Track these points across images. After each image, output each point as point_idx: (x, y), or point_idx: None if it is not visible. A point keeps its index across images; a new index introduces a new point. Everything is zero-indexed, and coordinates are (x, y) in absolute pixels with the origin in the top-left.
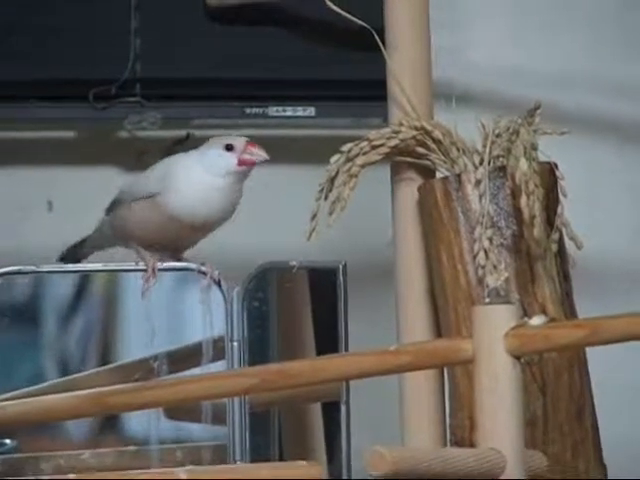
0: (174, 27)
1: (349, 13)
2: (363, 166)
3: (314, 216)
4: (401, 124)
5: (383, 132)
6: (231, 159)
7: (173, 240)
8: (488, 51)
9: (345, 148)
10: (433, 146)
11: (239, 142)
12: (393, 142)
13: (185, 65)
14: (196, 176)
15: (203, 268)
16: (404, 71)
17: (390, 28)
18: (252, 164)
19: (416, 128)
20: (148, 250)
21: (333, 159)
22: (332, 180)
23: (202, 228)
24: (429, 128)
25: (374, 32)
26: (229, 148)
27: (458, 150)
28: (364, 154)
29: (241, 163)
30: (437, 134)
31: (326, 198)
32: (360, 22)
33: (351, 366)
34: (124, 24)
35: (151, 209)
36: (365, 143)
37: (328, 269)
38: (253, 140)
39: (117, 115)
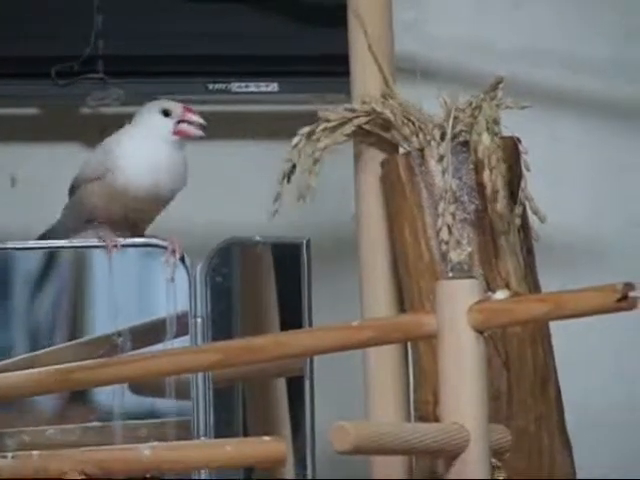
0: (137, 3)
1: None
2: (325, 149)
3: (277, 198)
4: (354, 109)
5: (339, 114)
6: (168, 125)
7: (130, 217)
8: (451, 25)
9: (303, 131)
10: (387, 126)
11: (176, 107)
12: (349, 128)
13: (148, 42)
14: (136, 146)
15: (164, 243)
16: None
17: (353, 2)
18: (187, 137)
19: (367, 113)
20: (110, 230)
21: (293, 142)
22: (294, 164)
23: (155, 199)
24: (379, 110)
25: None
26: (166, 113)
27: (413, 128)
28: (325, 137)
29: (176, 133)
30: (387, 115)
31: (289, 181)
32: None
33: (315, 341)
34: (87, 1)
35: (102, 188)
36: (323, 125)
37: (292, 245)
38: (216, 116)
39: (80, 92)
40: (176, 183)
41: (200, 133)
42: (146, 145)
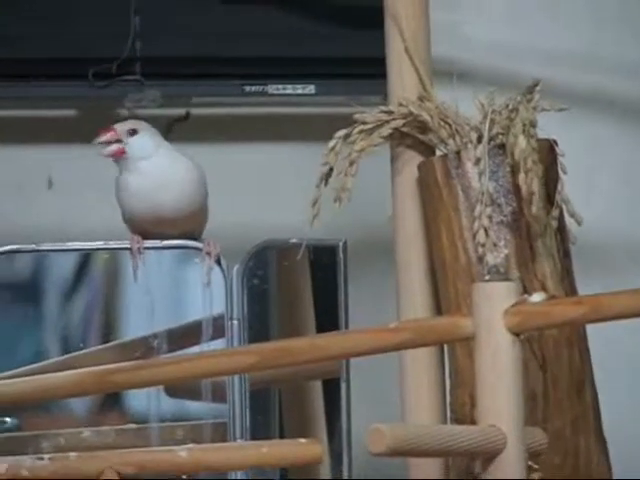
0: (174, 5)
1: None
2: (362, 151)
3: (315, 202)
4: (390, 112)
5: (376, 116)
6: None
7: (160, 232)
8: (488, 27)
9: (339, 134)
10: (423, 128)
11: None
12: (386, 131)
13: (185, 43)
14: (124, 176)
15: (200, 245)
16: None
17: (390, 4)
18: (105, 156)
19: (404, 115)
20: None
21: (330, 145)
22: (331, 167)
23: (163, 219)
24: (416, 112)
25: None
26: None
27: (450, 130)
28: (362, 140)
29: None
30: (424, 117)
31: (326, 184)
32: None
33: (351, 344)
34: (124, 2)
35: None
36: (360, 128)
37: (328, 246)
38: (253, 118)
39: (117, 93)
40: (173, 198)
41: (103, 153)
42: (124, 176)
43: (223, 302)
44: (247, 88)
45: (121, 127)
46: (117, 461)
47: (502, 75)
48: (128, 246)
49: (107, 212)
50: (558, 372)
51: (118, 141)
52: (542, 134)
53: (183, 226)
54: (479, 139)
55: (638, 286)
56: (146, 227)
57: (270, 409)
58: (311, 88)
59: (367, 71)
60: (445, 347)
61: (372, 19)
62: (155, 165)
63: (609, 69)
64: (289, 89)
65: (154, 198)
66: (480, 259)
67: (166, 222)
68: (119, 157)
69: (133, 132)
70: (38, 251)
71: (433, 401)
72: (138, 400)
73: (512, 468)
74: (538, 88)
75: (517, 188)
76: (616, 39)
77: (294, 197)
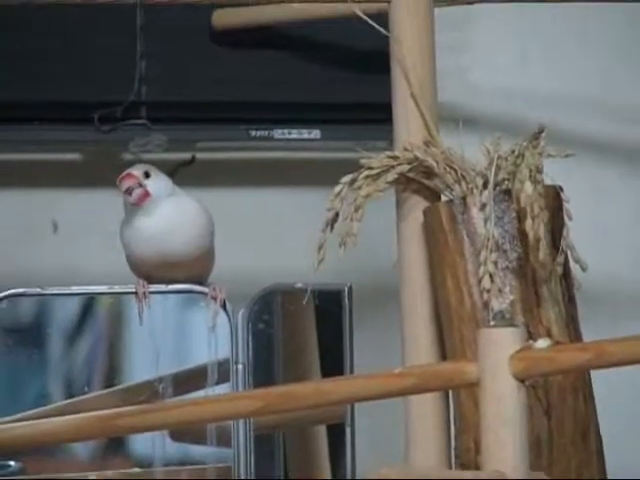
0: (180, 50)
1: (356, 36)
2: (367, 196)
3: (320, 247)
4: (396, 157)
5: (381, 161)
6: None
7: (165, 276)
8: (494, 73)
9: (345, 180)
10: (429, 173)
11: (118, 182)
12: (392, 176)
13: (190, 88)
14: (129, 222)
15: (205, 290)
16: (409, 93)
17: (396, 50)
18: (134, 204)
19: (410, 161)
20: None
21: (336, 190)
22: (336, 213)
23: (168, 263)
24: (422, 158)
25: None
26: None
27: (456, 176)
28: (368, 185)
29: (132, 201)
30: (430, 162)
31: (332, 229)
32: (384, 31)
33: (356, 389)
34: (130, 46)
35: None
36: (365, 173)
37: (333, 291)
38: (259, 163)
39: (122, 138)
40: (182, 242)
41: (132, 200)
42: (131, 220)
43: (228, 346)
44: (253, 133)
45: (136, 171)
46: None
47: (508, 121)
48: (133, 290)
49: (112, 256)
50: (563, 418)
51: (139, 185)
52: (547, 180)
53: (190, 270)
54: (485, 185)
55: None
56: (152, 271)
57: (274, 453)
58: (317, 133)
59: (373, 116)
60: (450, 392)
61: (378, 64)
62: (172, 208)
63: (615, 115)
64: (295, 134)
65: (165, 241)
66: (485, 305)
67: (174, 266)
68: (144, 200)
69: (147, 175)
70: (43, 295)
71: (438, 446)
72: (143, 444)
73: None
74: (544, 134)
75: (523, 234)
76: (622, 85)
77: (299, 242)
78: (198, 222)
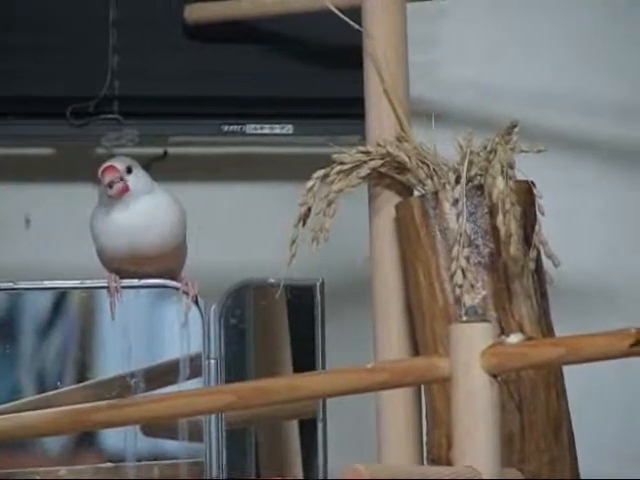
0: (152, 44)
1: (329, 31)
2: (340, 191)
3: (293, 242)
4: (368, 152)
5: (354, 157)
6: (104, 191)
7: (136, 270)
8: (466, 68)
9: (317, 175)
10: (401, 168)
11: (100, 174)
12: (364, 171)
13: (163, 82)
14: (101, 214)
15: (177, 284)
16: (381, 88)
17: (369, 45)
18: (112, 197)
19: (382, 156)
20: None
21: (308, 185)
22: (309, 208)
23: (138, 257)
24: (394, 153)
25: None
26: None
27: (428, 171)
28: (340, 180)
29: (112, 194)
30: (402, 157)
31: (304, 224)
32: (356, 26)
33: (328, 384)
34: (102, 41)
35: (98, 252)
36: (338, 168)
37: (306, 286)
38: (231, 158)
39: (95, 132)
40: (157, 236)
41: (111, 193)
42: (107, 212)
43: (200, 341)
44: (225, 128)
45: (119, 165)
46: None
47: (480, 116)
48: (105, 285)
49: (84, 251)
50: (535, 413)
51: (120, 179)
52: (520, 175)
53: (162, 265)
54: (457, 180)
55: (614, 328)
56: (123, 264)
57: (247, 448)
58: (289, 128)
59: (345, 111)
60: (422, 387)
61: (351, 60)
62: (147, 203)
63: (589, 110)
64: (267, 129)
65: (138, 235)
66: (457, 300)
67: (145, 260)
68: (123, 195)
69: (129, 170)
70: (15, 289)
71: (410, 441)
72: (115, 439)
73: None
74: (516, 129)
75: (495, 229)
76: (596, 79)
77: (272, 237)
78: (171, 217)
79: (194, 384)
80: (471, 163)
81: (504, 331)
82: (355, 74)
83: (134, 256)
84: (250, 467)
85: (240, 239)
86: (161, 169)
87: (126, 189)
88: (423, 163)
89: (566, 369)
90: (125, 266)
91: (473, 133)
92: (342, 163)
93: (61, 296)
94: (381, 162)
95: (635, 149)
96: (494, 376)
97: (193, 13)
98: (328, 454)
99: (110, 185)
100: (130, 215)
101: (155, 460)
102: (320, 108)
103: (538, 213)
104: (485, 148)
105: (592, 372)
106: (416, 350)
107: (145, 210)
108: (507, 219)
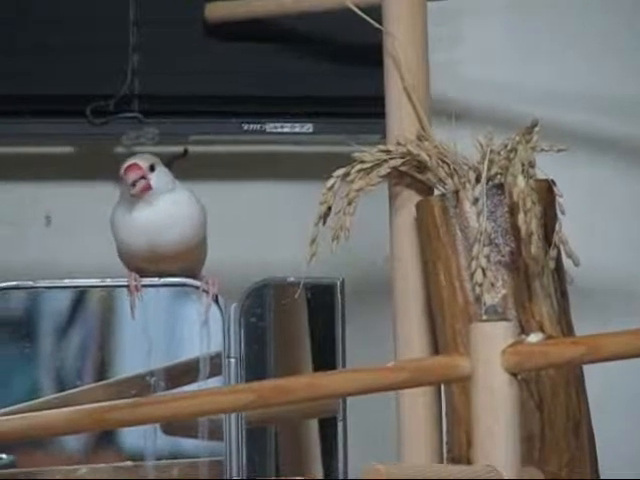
0: (172, 43)
1: (349, 30)
2: (360, 190)
3: (313, 241)
4: (389, 151)
5: (374, 155)
6: (127, 189)
7: (156, 269)
8: (487, 67)
9: (338, 173)
10: (422, 167)
11: (121, 174)
12: (384, 170)
13: (183, 81)
14: (122, 213)
15: (198, 283)
16: (402, 87)
17: (389, 44)
18: (139, 189)
19: (402, 155)
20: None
21: (328, 184)
22: (329, 206)
23: (160, 255)
24: (415, 152)
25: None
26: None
27: (449, 170)
28: (360, 179)
29: (134, 192)
30: (423, 156)
31: (324, 223)
32: (377, 25)
33: (348, 383)
34: (123, 40)
35: (119, 251)
36: (358, 167)
37: (326, 285)
38: (251, 157)
39: (115, 131)
40: (178, 234)
41: (134, 192)
42: (128, 209)
43: (220, 340)
44: (245, 126)
45: (143, 163)
46: None
47: (501, 115)
48: (125, 283)
49: (104, 249)
50: (555, 412)
51: (142, 177)
52: (541, 174)
53: (182, 263)
54: (477, 179)
55: (635, 327)
56: (144, 262)
57: (266, 447)
58: (309, 127)
59: (365, 110)
60: (442, 386)
61: (371, 58)
62: (172, 201)
63: (609, 109)
64: (287, 128)
65: (159, 234)
66: (477, 299)
67: (166, 258)
68: (145, 193)
69: (152, 168)
70: (35, 288)
71: (430, 440)
72: (134, 437)
73: None
74: (537, 128)
75: (515, 228)
76: (616, 78)
77: (292, 236)
78: (192, 215)
79: (214, 383)
80: (491, 162)
81: (524, 330)
82: (375, 73)
83: (155, 254)
84: (270, 466)
85: (260, 238)
86: (181, 167)
87: (148, 187)
88: (443, 162)
89: (586, 368)
90: (145, 264)
91: (493, 132)
92: (362, 162)
93: (81, 295)
94: (401, 161)
95: None
96: (514, 375)
97: (213, 12)
98: (348, 453)
99: (133, 184)
100: (151, 213)
101: (175, 459)
102: (340, 107)
103: (558, 212)
104: (506, 147)
105: (612, 371)
106: (436, 349)
107: (166, 208)
108: (528, 218)
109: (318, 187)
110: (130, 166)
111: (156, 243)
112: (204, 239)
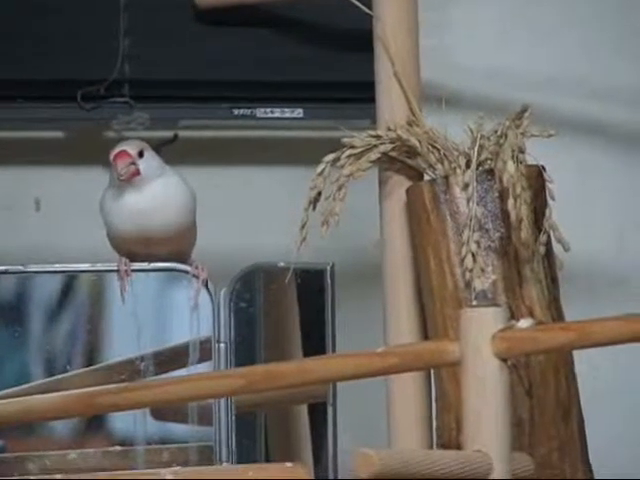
0: (163, 28)
1: (339, 15)
2: (350, 175)
3: (303, 226)
4: (379, 136)
5: (364, 141)
6: (114, 175)
7: (147, 252)
8: (477, 52)
9: (328, 159)
10: (412, 152)
11: (112, 159)
12: (374, 155)
13: (173, 66)
14: (112, 200)
15: (187, 268)
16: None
17: (379, 29)
18: (127, 177)
19: (392, 140)
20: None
21: (318, 169)
22: (319, 192)
23: (149, 240)
24: (405, 137)
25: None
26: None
27: (439, 155)
28: (350, 164)
29: (122, 178)
30: (413, 142)
31: (314, 208)
32: (367, 10)
33: (338, 368)
34: (113, 24)
35: (107, 231)
36: (348, 152)
37: (316, 270)
38: (241, 142)
39: (105, 115)
40: (167, 219)
41: (123, 178)
42: (117, 194)
43: (210, 325)
44: (235, 111)
45: (131, 149)
46: None
47: (491, 100)
48: (115, 268)
49: (94, 234)
50: (544, 398)
51: (132, 164)
52: (531, 160)
53: (172, 247)
54: (467, 164)
55: (625, 312)
56: (133, 247)
57: (256, 432)
58: (299, 112)
59: (356, 95)
60: (432, 372)
61: (361, 43)
62: (161, 186)
63: (600, 95)
64: (277, 113)
65: (149, 218)
66: (467, 284)
67: (155, 242)
68: (134, 179)
69: (141, 154)
70: (25, 272)
71: (419, 426)
72: (124, 422)
73: None
74: (527, 114)
75: (505, 214)
76: (607, 64)
77: (282, 221)
78: (181, 199)
79: (204, 368)
80: (482, 147)
81: (514, 315)
82: (366, 58)
83: (144, 238)
84: (259, 451)
85: (250, 223)
86: (171, 152)
87: (137, 173)
88: (433, 147)
89: (576, 354)
90: (135, 248)
91: (484, 117)
92: (352, 147)
93: (71, 279)
94: (391, 146)
95: None
96: (504, 360)
97: None
98: (338, 438)
99: (122, 170)
100: (140, 197)
101: (164, 444)
102: (330, 92)
103: (548, 198)
104: (496, 132)
105: (602, 357)
106: (426, 334)
107: (155, 193)
108: (518, 203)
109: (308, 172)
110: (119, 153)
111: (145, 227)
112: (193, 223)
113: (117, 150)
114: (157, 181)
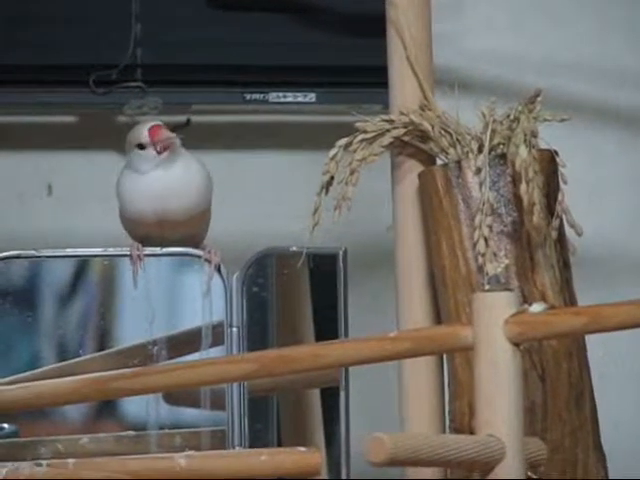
0: (175, 12)
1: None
2: (363, 160)
3: (315, 211)
4: (391, 120)
5: (377, 125)
6: (150, 154)
7: (162, 236)
8: (490, 37)
9: (340, 143)
10: (424, 137)
11: (144, 138)
12: (387, 140)
13: (186, 50)
14: (131, 182)
15: (200, 252)
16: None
17: (392, 13)
18: (169, 147)
19: (405, 124)
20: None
21: (331, 154)
22: (332, 176)
23: (166, 223)
24: (417, 122)
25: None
26: (141, 147)
27: (451, 139)
28: (363, 149)
29: (161, 152)
30: (425, 126)
31: (327, 193)
32: None
33: (350, 352)
34: (125, 9)
35: (122, 218)
36: (361, 137)
37: (328, 255)
38: (253, 126)
39: (118, 100)
40: (188, 200)
41: (172, 136)
42: (135, 176)
43: (223, 309)
44: (248, 96)
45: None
46: (115, 468)
47: (504, 85)
48: (128, 253)
49: (107, 219)
50: (557, 383)
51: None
52: (543, 144)
53: (188, 230)
54: (480, 149)
55: (638, 297)
56: (149, 230)
57: (269, 417)
58: (312, 96)
59: (368, 80)
60: (444, 356)
61: (374, 28)
62: (182, 168)
63: (613, 80)
64: (290, 97)
65: (169, 199)
66: (480, 269)
67: (173, 225)
68: (174, 149)
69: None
70: (37, 257)
71: (432, 410)
72: (136, 407)
73: (511, 479)
74: (540, 98)
75: (518, 198)
76: (621, 50)
77: (294, 205)
78: (200, 181)
79: (216, 352)
80: (494, 132)
81: (527, 300)
82: (378, 42)
83: (162, 220)
84: (272, 436)
85: (263, 207)
86: (184, 137)
87: (172, 144)
88: (446, 132)
89: (588, 338)
90: (151, 231)
91: (496, 102)
92: (365, 132)
93: (83, 264)
94: (404, 131)
95: None
96: (517, 345)
97: None
98: (350, 423)
99: (160, 143)
100: (159, 178)
101: (177, 429)
102: (343, 76)
103: (561, 182)
104: (508, 117)
105: (614, 341)
106: (439, 319)
107: (174, 174)
108: (530, 188)
109: (321, 157)
110: (155, 126)
111: (164, 208)
112: (209, 207)
113: (151, 124)
114: (177, 163)
